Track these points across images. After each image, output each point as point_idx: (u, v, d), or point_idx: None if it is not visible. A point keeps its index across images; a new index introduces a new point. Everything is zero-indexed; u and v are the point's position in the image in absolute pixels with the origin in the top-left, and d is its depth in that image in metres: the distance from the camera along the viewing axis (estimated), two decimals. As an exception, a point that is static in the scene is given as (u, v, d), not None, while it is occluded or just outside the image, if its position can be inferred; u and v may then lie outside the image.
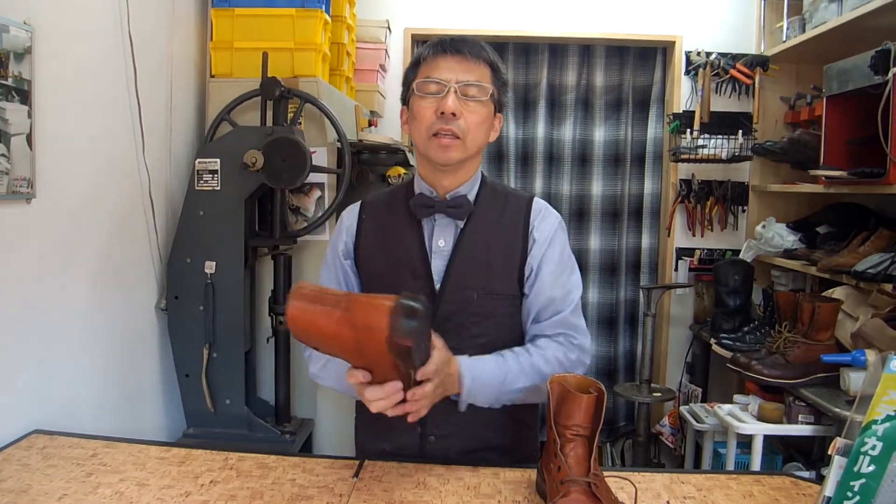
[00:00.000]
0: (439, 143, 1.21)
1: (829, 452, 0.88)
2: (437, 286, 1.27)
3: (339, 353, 1.02)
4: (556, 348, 1.25)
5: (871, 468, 0.83)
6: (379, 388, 1.00)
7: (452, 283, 1.26)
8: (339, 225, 1.38)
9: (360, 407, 1.39)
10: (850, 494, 0.84)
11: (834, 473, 0.86)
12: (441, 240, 1.28)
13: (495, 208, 1.31)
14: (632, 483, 1.11)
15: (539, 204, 1.34)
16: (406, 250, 1.28)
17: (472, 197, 1.30)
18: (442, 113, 1.20)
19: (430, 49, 1.24)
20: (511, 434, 1.32)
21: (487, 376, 1.18)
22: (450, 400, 1.17)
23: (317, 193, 2.19)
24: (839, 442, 0.87)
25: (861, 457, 0.83)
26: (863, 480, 0.83)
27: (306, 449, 2.19)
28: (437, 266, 1.27)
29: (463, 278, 1.26)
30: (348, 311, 0.95)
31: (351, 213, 1.37)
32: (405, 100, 1.30)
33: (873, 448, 0.83)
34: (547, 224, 1.30)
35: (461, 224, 1.28)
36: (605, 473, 1.07)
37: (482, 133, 1.25)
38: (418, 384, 1.04)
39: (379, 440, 1.30)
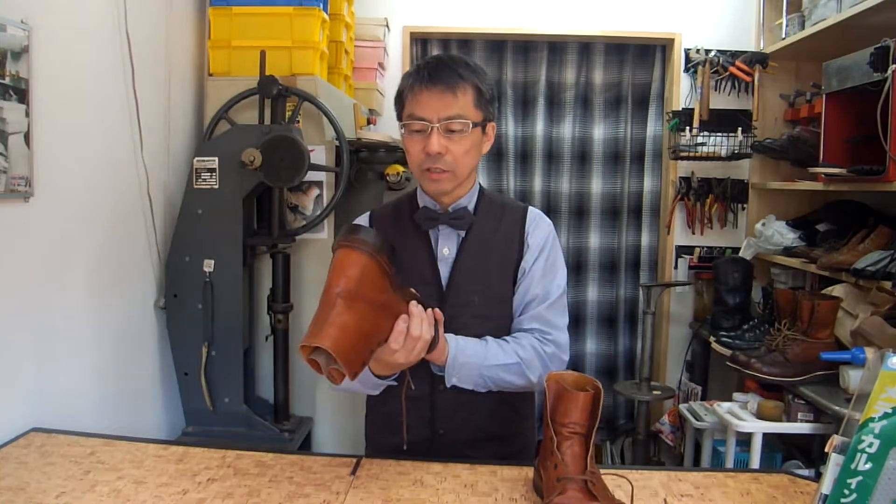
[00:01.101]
0: (430, 178, 1.30)
1: (827, 450, 0.87)
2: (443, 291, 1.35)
3: (371, 338, 1.08)
4: (530, 338, 1.32)
5: (869, 466, 0.82)
6: (412, 319, 1.12)
7: (456, 287, 1.34)
8: None
9: (371, 404, 1.45)
10: (846, 492, 0.84)
11: (831, 471, 0.86)
12: (445, 248, 1.36)
13: (493, 218, 1.39)
14: (629, 481, 1.11)
15: (533, 213, 1.42)
16: (416, 259, 1.35)
17: (471, 207, 1.38)
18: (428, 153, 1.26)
19: (411, 79, 1.28)
20: (511, 424, 1.40)
21: (471, 349, 1.26)
22: (456, 392, 1.27)
23: (315, 192, 2.19)
24: (836, 439, 0.86)
25: (858, 454, 0.83)
26: (860, 478, 0.83)
27: (305, 447, 2.19)
28: (443, 272, 1.36)
29: (465, 283, 1.34)
30: (340, 292, 1.03)
31: (361, 221, 1.44)
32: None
33: (870, 446, 0.82)
34: (540, 231, 1.39)
35: (462, 233, 1.36)
36: (603, 471, 1.07)
37: (470, 159, 1.31)
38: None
39: (390, 435, 1.34)
